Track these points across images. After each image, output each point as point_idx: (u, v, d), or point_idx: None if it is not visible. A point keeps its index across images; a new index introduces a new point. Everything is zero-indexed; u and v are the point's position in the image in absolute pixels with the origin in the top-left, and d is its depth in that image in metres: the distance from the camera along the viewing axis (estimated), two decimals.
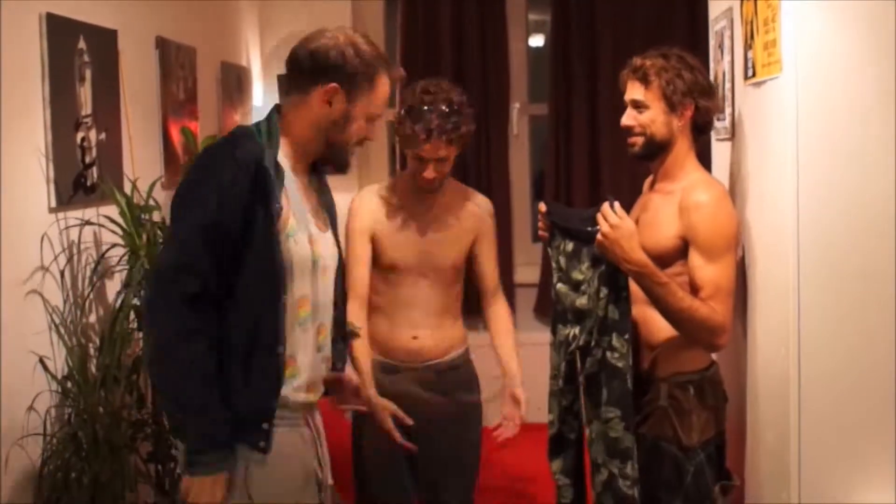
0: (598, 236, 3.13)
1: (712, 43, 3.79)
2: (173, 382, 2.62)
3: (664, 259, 3.21)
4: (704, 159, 4.07)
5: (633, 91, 3.31)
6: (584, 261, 3.27)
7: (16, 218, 3.37)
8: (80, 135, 3.76)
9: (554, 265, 3.39)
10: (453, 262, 3.76)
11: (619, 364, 3.19)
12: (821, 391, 2.83)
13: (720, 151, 3.79)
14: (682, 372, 3.26)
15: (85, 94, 3.81)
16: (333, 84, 2.76)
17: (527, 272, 6.39)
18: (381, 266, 3.74)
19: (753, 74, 3.17)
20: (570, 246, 3.32)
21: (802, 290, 2.81)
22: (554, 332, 3.41)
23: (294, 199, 2.77)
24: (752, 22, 3.14)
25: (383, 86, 2.86)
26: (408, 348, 3.75)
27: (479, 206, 3.88)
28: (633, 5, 6.11)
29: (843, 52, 2.76)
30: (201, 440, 2.61)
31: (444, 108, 3.60)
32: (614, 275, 3.18)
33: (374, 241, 3.73)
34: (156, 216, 3.89)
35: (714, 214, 3.18)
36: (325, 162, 2.92)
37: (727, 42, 3.53)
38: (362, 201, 3.80)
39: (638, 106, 3.30)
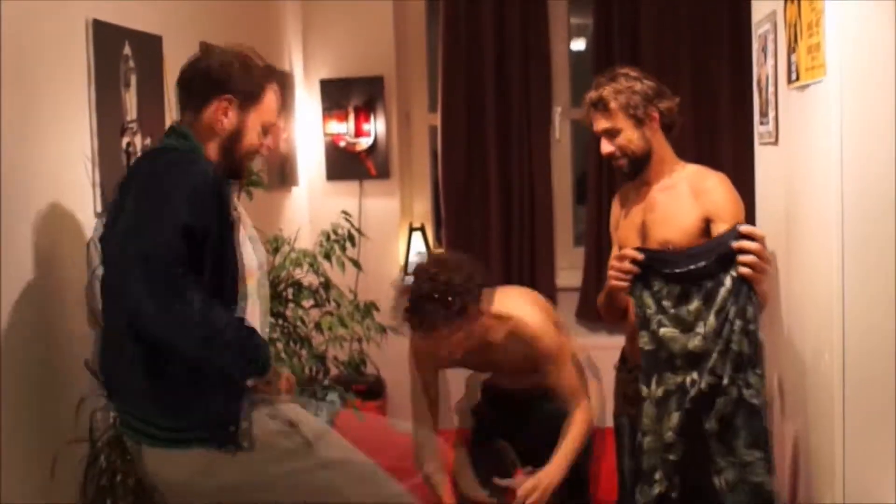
0: (743, 268, 3.13)
1: (755, 46, 3.78)
2: (227, 351, 2.81)
3: (690, 242, 3.37)
4: (747, 164, 4.07)
5: (600, 122, 3.49)
6: (694, 300, 3.21)
7: (63, 222, 3.40)
8: (125, 140, 3.79)
9: (648, 311, 3.29)
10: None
11: (756, 401, 3.12)
12: (865, 396, 2.81)
13: (764, 155, 3.77)
14: None
15: (130, 99, 3.84)
16: (227, 96, 2.97)
17: (569, 276, 6.37)
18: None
19: (797, 78, 3.15)
20: (676, 289, 3.25)
21: (847, 293, 2.80)
22: (649, 384, 3.27)
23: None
24: (795, 25, 3.12)
25: (271, 98, 3.06)
26: None
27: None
28: (676, 8, 6.07)
29: (888, 55, 2.74)
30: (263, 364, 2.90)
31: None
32: (745, 306, 3.13)
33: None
34: None
35: (729, 190, 3.44)
36: (222, 171, 3.01)
37: (770, 46, 3.52)
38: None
39: (610, 133, 3.47)
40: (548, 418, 3.72)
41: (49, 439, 3.28)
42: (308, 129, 6.24)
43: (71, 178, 3.47)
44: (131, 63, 3.84)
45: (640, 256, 3.31)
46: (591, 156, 6.25)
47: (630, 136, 3.45)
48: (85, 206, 3.55)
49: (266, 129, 3.07)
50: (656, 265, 3.29)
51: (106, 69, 3.65)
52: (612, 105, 3.44)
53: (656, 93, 3.49)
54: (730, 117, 5.97)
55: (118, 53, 3.76)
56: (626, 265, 3.32)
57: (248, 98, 3.01)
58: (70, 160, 3.47)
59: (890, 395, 2.78)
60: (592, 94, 3.49)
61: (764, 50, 3.63)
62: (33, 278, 3.20)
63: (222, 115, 2.98)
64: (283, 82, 3.11)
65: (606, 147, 3.48)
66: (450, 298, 3.37)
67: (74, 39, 3.52)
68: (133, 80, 3.85)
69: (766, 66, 3.61)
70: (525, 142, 6.23)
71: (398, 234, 6.34)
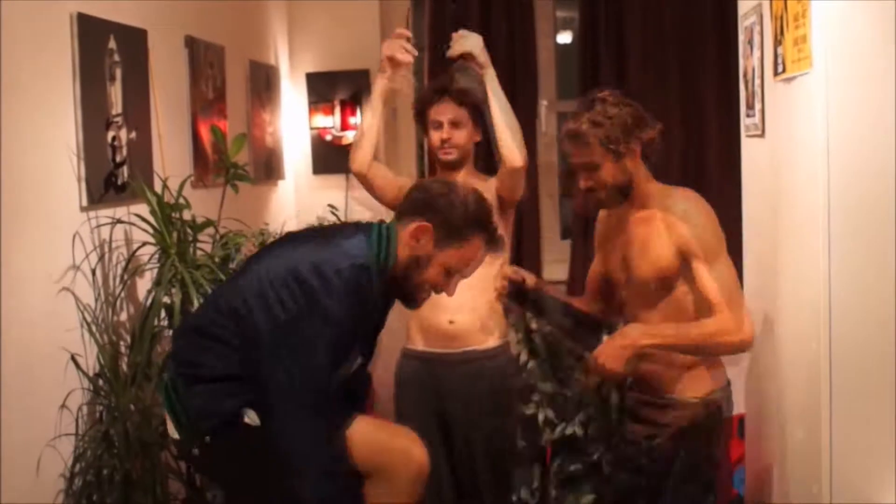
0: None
1: (742, 39, 3.78)
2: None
3: (668, 281, 3.27)
4: (733, 156, 4.08)
5: (581, 156, 3.32)
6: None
7: (47, 216, 3.39)
8: (110, 134, 3.78)
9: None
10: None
11: None
12: (852, 387, 2.82)
13: (750, 148, 3.77)
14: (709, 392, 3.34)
15: (115, 93, 3.83)
16: (426, 223, 2.97)
17: (556, 269, 6.37)
18: None
19: (783, 70, 3.15)
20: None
21: (833, 285, 2.80)
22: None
23: None
24: (781, 17, 3.13)
25: (473, 247, 3.04)
26: (444, 332, 3.80)
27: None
28: (662, 1, 6.07)
29: (873, 47, 2.74)
30: None
31: (457, 74, 3.83)
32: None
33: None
34: (186, 214, 3.90)
35: (698, 215, 3.26)
36: (395, 292, 3.09)
37: (757, 38, 3.52)
38: None
39: (590, 169, 3.32)
40: None
41: (34, 435, 3.28)
42: (294, 123, 6.23)
43: (56, 172, 3.46)
44: (116, 57, 3.83)
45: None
46: None
47: (610, 171, 3.30)
48: (70, 200, 3.54)
49: (451, 273, 3.06)
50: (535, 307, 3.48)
51: (91, 63, 3.64)
52: (591, 140, 3.27)
53: (637, 121, 3.30)
54: (716, 110, 5.97)
55: (103, 47, 3.75)
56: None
57: (448, 235, 3.02)
58: (55, 154, 3.46)
59: (877, 384, 2.79)
60: (570, 126, 3.33)
61: (750, 42, 3.63)
62: (17, 272, 3.19)
63: (415, 238, 3.00)
64: (491, 239, 3.13)
65: (586, 183, 3.35)
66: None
67: (59, 33, 3.51)
68: (118, 74, 3.84)
69: (752, 58, 3.62)
70: None
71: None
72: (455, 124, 3.81)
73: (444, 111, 3.84)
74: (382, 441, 3.08)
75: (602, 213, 3.65)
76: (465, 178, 3.87)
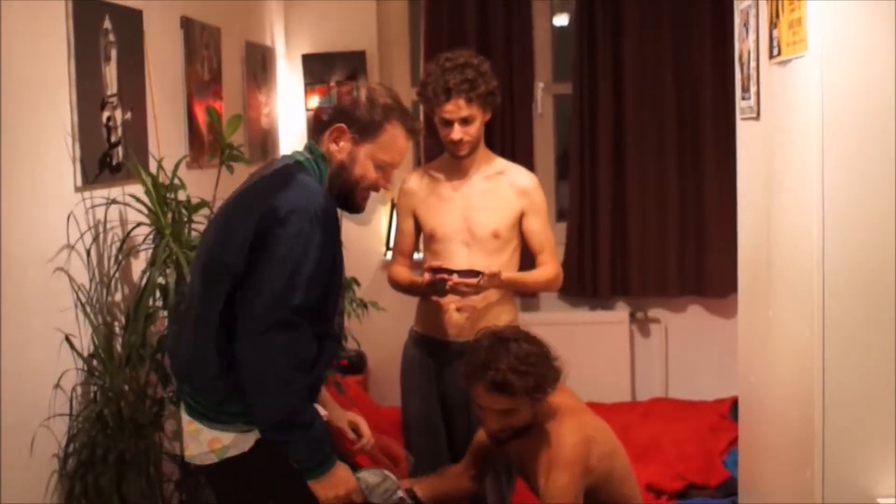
0: None
1: (737, 21, 3.77)
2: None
3: None
4: (728, 139, 4.08)
5: (497, 404, 3.29)
6: None
7: (42, 197, 3.39)
8: (105, 114, 3.77)
9: None
10: (493, 231, 3.80)
11: None
12: (845, 369, 2.82)
13: (745, 130, 3.77)
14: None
15: (110, 73, 3.82)
16: (340, 125, 3.00)
17: None
18: (424, 237, 3.93)
19: (779, 53, 3.15)
20: None
21: (827, 268, 2.81)
22: None
23: None
24: (777, 0, 3.12)
25: (392, 135, 3.04)
26: (450, 319, 3.80)
27: (522, 179, 3.93)
28: None
29: (869, 30, 2.75)
30: (317, 451, 2.89)
31: (462, 68, 3.74)
32: None
33: (416, 215, 3.94)
34: (181, 195, 3.90)
35: None
36: (337, 201, 3.06)
37: (752, 21, 3.51)
38: (405, 181, 4.03)
39: (507, 413, 3.30)
40: None
41: (28, 416, 3.28)
42: (290, 104, 6.22)
43: (51, 152, 3.45)
44: (111, 37, 3.82)
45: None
46: (573, 133, 6.25)
47: (524, 413, 3.30)
48: (65, 180, 3.53)
49: (381, 167, 3.06)
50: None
51: (86, 43, 3.63)
52: (517, 391, 3.24)
53: (549, 377, 3.31)
54: (711, 92, 5.97)
55: (98, 27, 3.74)
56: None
57: (365, 131, 3.03)
58: (50, 134, 3.45)
59: (870, 367, 2.80)
60: (494, 376, 3.23)
61: (746, 25, 3.63)
62: (12, 252, 3.19)
63: (333, 141, 3.03)
64: (411, 127, 3.11)
65: (496, 425, 3.34)
66: (489, 78, 3.78)
67: (54, 13, 3.49)
68: (113, 54, 3.83)
69: (747, 41, 3.61)
70: (508, 117, 6.22)
71: (379, 210, 6.33)
72: (466, 121, 3.76)
73: (454, 110, 3.76)
74: None
75: None
76: (479, 162, 3.87)
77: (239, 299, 2.82)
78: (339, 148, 3.02)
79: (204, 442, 2.94)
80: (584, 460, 3.28)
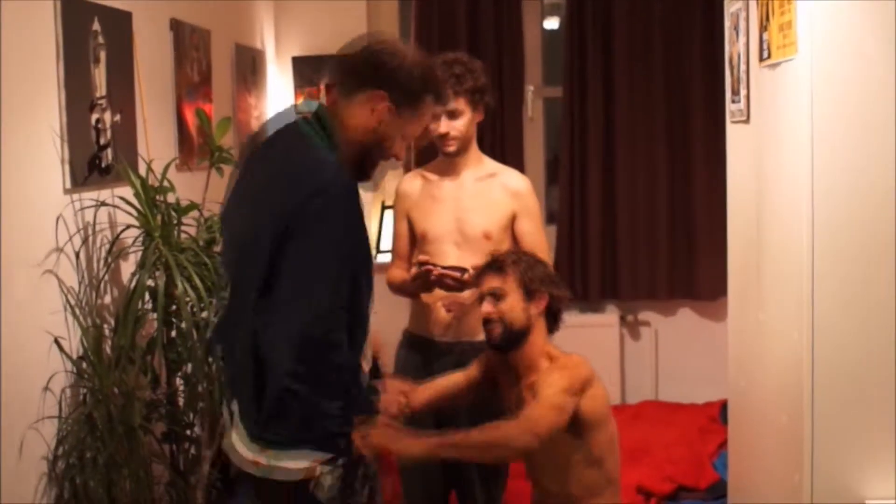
0: None
1: (727, 24, 3.78)
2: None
3: None
4: (718, 142, 4.08)
5: (492, 282, 3.34)
6: None
7: (31, 199, 3.38)
8: (94, 116, 3.76)
9: None
10: (484, 231, 3.79)
11: None
12: (834, 373, 2.83)
13: (735, 133, 3.78)
14: None
15: (99, 75, 3.82)
16: (381, 91, 2.75)
17: None
18: (417, 238, 3.92)
19: (769, 56, 3.16)
20: None
21: (817, 271, 2.81)
22: None
23: None
24: (767, 3, 3.13)
25: (427, 109, 2.86)
26: (438, 319, 3.80)
27: (515, 181, 3.92)
28: None
29: (859, 33, 2.75)
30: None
31: (450, 63, 3.75)
32: None
33: (409, 217, 3.94)
34: (170, 197, 3.89)
35: None
36: (349, 168, 2.80)
37: (742, 24, 3.52)
38: (401, 183, 4.03)
39: (497, 297, 3.33)
40: None
41: (17, 418, 3.27)
42: (279, 107, 6.20)
43: (40, 154, 3.44)
44: (101, 39, 3.81)
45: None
46: (563, 137, 6.26)
47: (512, 302, 3.34)
48: (54, 182, 3.52)
49: (407, 139, 2.85)
50: None
51: (75, 45, 3.62)
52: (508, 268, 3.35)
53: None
54: (701, 95, 5.99)
55: (87, 29, 3.73)
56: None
57: (405, 103, 2.78)
58: (39, 136, 3.44)
59: (859, 371, 2.80)
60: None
61: (736, 28, 3.63)
62: (0, 254, 3.18)
63: (370, 109, 2.76)
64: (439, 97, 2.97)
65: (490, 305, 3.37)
66: (479, 75, 3.77)
67: (43, 14, 3.49)
68: (102, 56, 3.82)
69: (737, 44, 3.62)
70: (498, 120, 6.22)
71: (370, 212, 6.33)
72: (453, 114, 3.77)
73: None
74: None
75: None
76: (471, 164, 3.86)
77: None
78: (373, 114, 2.77)
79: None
80: (585, 379, 3.28)
